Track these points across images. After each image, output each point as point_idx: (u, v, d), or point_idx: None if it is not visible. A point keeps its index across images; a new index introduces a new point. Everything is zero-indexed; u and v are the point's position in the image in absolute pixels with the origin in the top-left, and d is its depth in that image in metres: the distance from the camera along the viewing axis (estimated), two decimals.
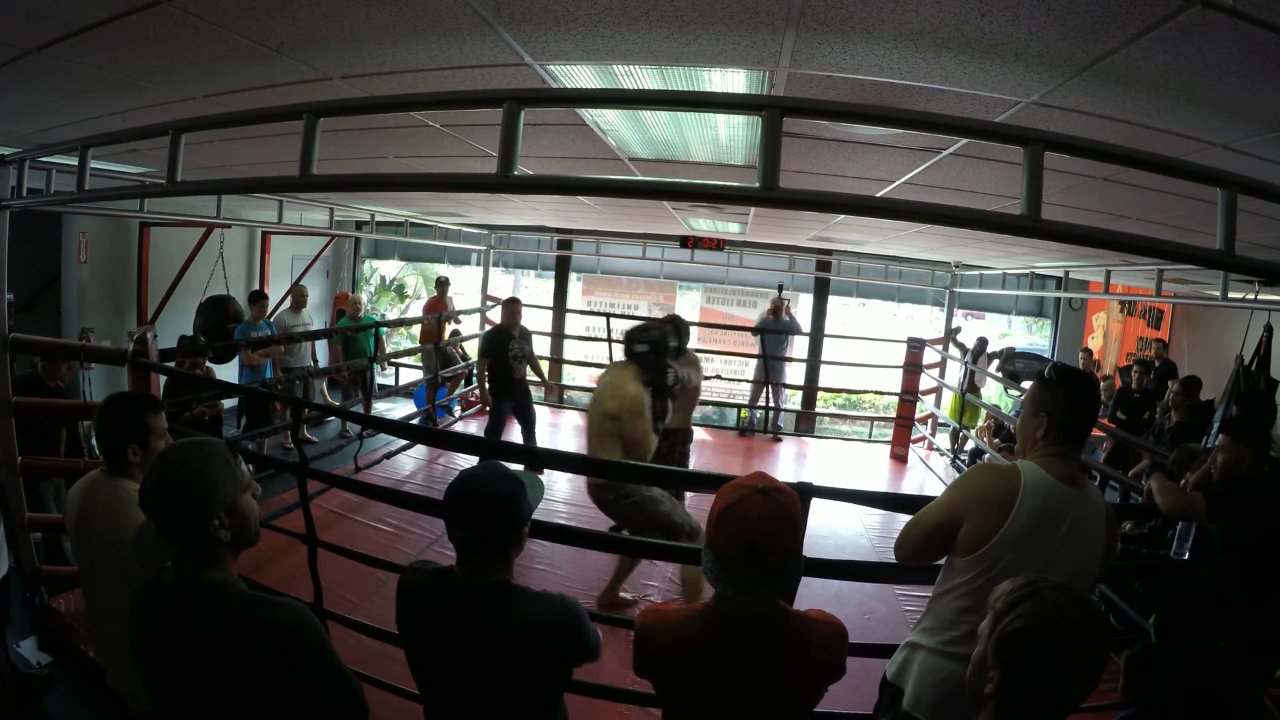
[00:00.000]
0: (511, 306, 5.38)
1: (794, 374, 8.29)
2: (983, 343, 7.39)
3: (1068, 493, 1.56)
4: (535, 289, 10.83)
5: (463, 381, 8.02)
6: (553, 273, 9.76)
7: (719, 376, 8.47)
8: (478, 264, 9.50)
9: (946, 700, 1.60)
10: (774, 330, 7.42)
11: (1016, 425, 1.77)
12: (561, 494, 5.10)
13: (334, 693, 1.28)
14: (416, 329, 10.61)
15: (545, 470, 3.38)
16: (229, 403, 6.09)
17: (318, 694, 1.26)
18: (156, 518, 1.24)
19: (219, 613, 1.22)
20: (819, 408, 9.49)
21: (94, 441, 2.00)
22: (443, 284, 8.16)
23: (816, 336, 8.80)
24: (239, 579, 1.30)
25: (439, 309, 7.85)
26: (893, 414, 7.51)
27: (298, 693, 1.23)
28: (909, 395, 7.14)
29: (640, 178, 3.51)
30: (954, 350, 7.69)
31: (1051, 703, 1.01)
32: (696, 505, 5.04)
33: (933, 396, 7.96)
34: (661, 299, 10.11)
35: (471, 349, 8.35)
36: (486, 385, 5.20)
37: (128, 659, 1.73)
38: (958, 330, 8.24)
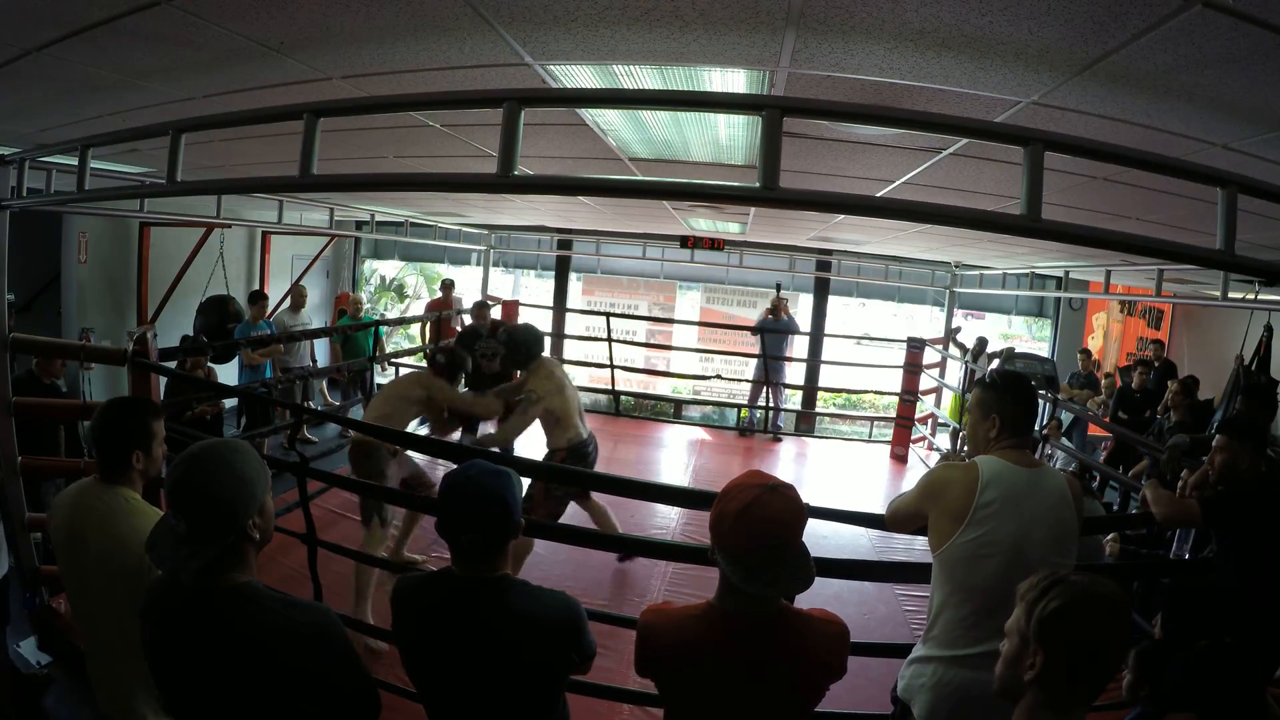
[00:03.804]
0: (478, 309, 6.06)
1: (794, 374, 8.29)
2: (982, 343, 7.39)
3: (1024, 472, 1.69)
4: (535, 289, 10.84)
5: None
6: (553, 273, 9.77)
7: (719, 376, 8.49)
8: (478, 264, 9.51)
9: (962, 709, 1.62)
10: (774, 330, 7.43)
11: (965, 431, 1.91)
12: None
13: (353, 692, 1.29)
14: (416, 329, 10.65)
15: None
16: (229, 402, 6.09)
17: (338, 694, 1.26)
18: (197, 518, 1.21)
19: (246, 616, 1.22)
20: (819, 408, 9.50)
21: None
22: (448, 285, 8.15)
23: (816, 336, 8.80)
24: (260, 581, 1.30)
25: (441, 309, 7.84)
26: (893, 414, 7.51)
27: (320, 694, 1.23)
28: (909, 395, 7.14)
29: (640, 178, 3.51)
30: (954, 350, 7.69)
31: (1091, 674, 1.07)
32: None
33: (933, 396, 7.96)
34: (661, 299, 10.11)
35: None
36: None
37: (120, 671, 1.70)
38: (958, 330, 8.24)
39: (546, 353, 3.89)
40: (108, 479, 1.73)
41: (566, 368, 4.29)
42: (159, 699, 1.74)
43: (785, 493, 1.25)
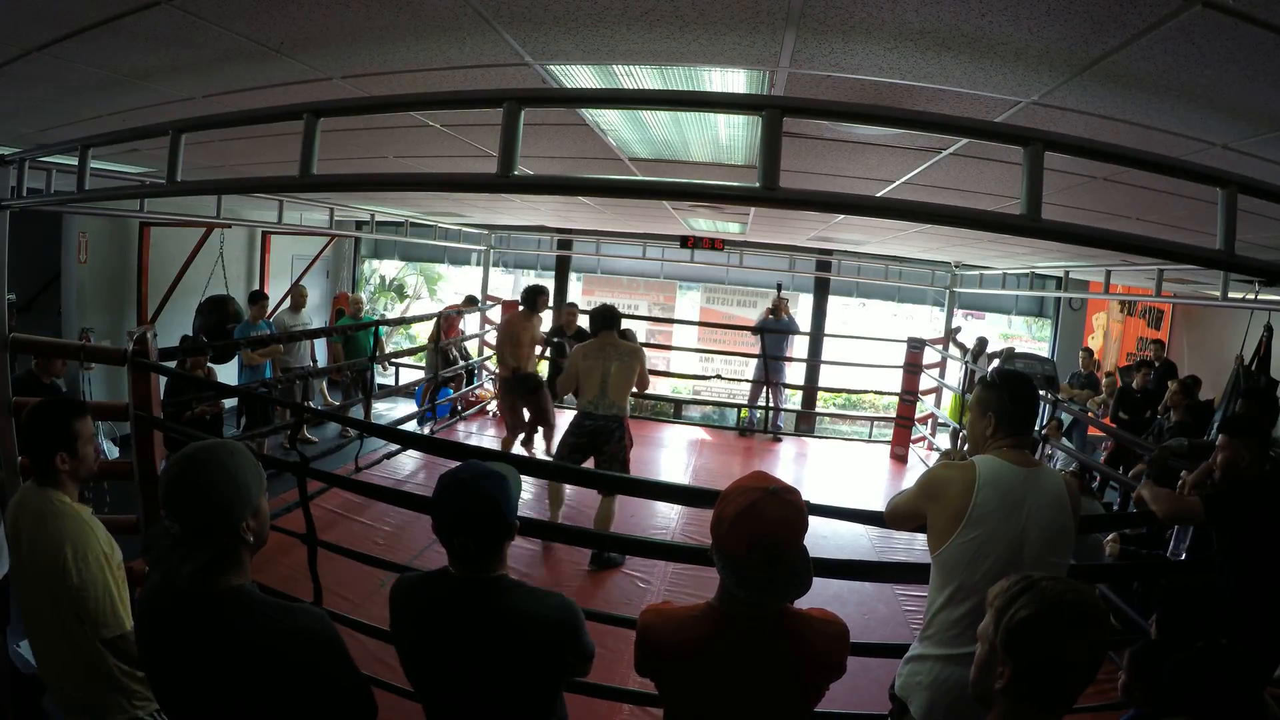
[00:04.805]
0: (569, 310, 6.68)
1: (794, 374, 8.29)
2: (982, 343, 7.39)
3: (1021, 472, 1.70)
4: None
5: (463, 381, 8.01)
6: (553, 273, 9.76)
7: (719, 376, 8.49)
8: (478, 264, 9.50)
9: (959, 707, 1.62)
10: (774, 330, 7.43)
11: (965, 429, 1.92)
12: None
13: (349, 697, 1.29)
14: (416, 329, 10.65)
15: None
16: (229, 402, 6.09)
17: (334, 698, 1.26)
18: (190, 519, 1.20)
19: (243, 621, 1.21)
20: (819, 408, 9.50)
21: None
22: (472, 302, 8.09)
23: (816, 336, 8.80)
24: (254, 584, 1.29)
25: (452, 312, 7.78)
26: (893, 414, 7.51)
27: (316, 698, 1.23)
28: (909, 395, 7.14)
29: (640, 178, 3.51)
30: (954, 350, 7.69)
31: (1061, 685, 1.04)
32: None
33: (933, 396, 7.96)
34: (661, 299, 10.12)
35: (472, 348, 8.36)
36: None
37: (54, 669, 1.75)
38: (958, 330, 8.24)
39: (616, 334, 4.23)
40: (40, 482, 1.79)
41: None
42: (128, 706, 1.78)
43: (786, 497, 1.24)
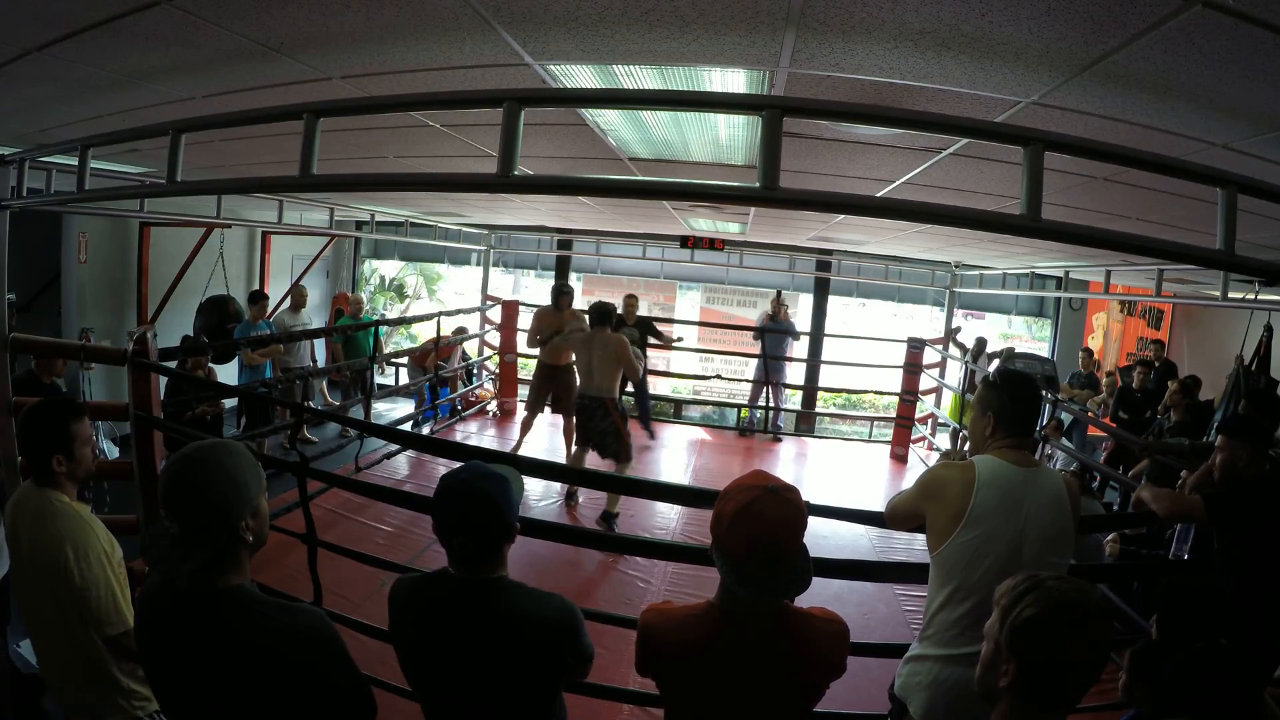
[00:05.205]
0: (628, 300, 6.99)
1: (794, 374, 8.28)
2: (982, 343, 7.39)
3: (1020, 472, 1.70)
4: (535, 289, 10.84)
5: (460, 382, 8.00)
6: (553, 273, 9.76)
7: (719, 376, 8.48)
8: (478, 264, 9.50)
9: (958, 707, 1.62)
10: (775, 330, 7.42)
11: (967, 429, 1.93)
12: (558, 491, 5.10)
13: (348, 694, 1.28)
14: (416, 329, 10.65)
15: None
16: (229, 402, 6.09)
17: (334, 698, 1.26)
18: (189, 519, 1.19)
19: (243, 620, 1.21)
20: (819, 408, 9.49)
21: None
22: (460, 332, 8.03)
23: (816, 336, 8.79)
24: (254, 583, 1.29)
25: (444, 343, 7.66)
26: (893, 414, 7.51)
27: (316, 698, 1.23)
28: (909, 395, 7.14)
29: (640, 178, 3.51)
30: (954, 350, 7.69)
31: (1066, 684, 1.05)
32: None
33: (933, 396, 7.96)
34: (662, 299, 10.11)
35: (471, 349, 8.35)
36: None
37: (54, 667, 1.77)
38: (958, 330, 8.24)
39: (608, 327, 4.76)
40: (38, 482, 1.80)
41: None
42: (128, 707, 1.78)
43: (785, 495, 1.24)
